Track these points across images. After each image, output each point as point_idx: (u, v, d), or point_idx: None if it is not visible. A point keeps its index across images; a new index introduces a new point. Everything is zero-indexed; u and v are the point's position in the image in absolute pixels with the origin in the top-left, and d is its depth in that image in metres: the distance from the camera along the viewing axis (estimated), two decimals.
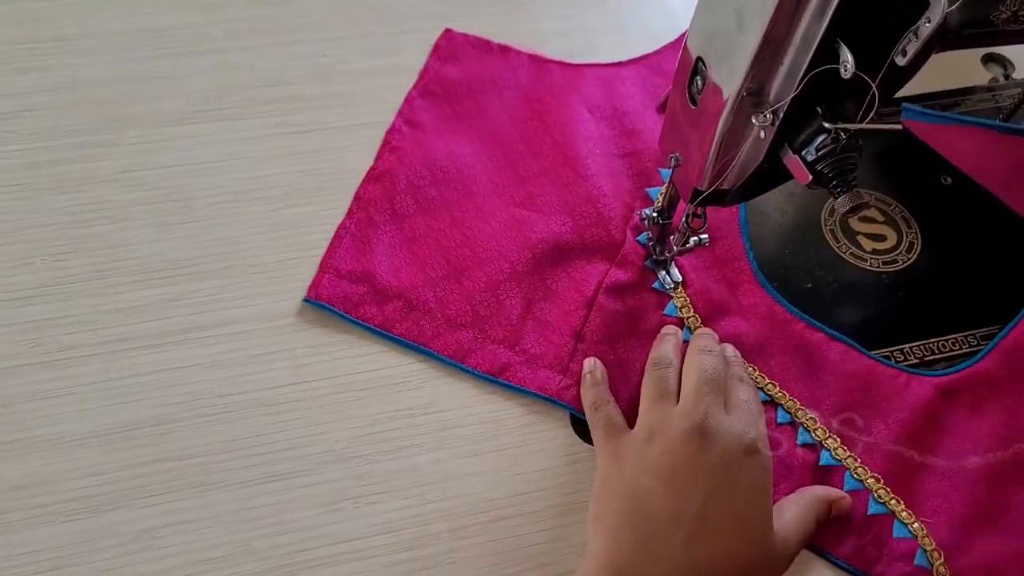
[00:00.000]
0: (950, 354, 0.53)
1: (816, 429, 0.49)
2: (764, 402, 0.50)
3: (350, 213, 0.56)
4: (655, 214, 0.51)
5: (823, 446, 0.49)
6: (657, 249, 0.54)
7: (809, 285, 0.54)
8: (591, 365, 0.50)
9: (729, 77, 0.38)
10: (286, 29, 0.66)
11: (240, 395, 0.49)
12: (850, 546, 0.46)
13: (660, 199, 0.50)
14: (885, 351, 0.52)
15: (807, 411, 0.50)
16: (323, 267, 0.53)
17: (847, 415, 0.49)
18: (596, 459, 0.46)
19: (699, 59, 0.40)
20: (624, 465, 0.44)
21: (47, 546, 0.44)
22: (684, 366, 0.47)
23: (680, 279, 0.54)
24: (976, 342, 0.53)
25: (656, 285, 0.54)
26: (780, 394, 0.50)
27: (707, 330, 0.51)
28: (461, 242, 0.55)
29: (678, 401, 0.45)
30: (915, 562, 0.45)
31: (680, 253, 0.52)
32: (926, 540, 0.45)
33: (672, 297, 0.53)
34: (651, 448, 0.43)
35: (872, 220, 0.58)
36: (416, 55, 0.65)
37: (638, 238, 0.55)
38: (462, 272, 0.54)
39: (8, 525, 0.44)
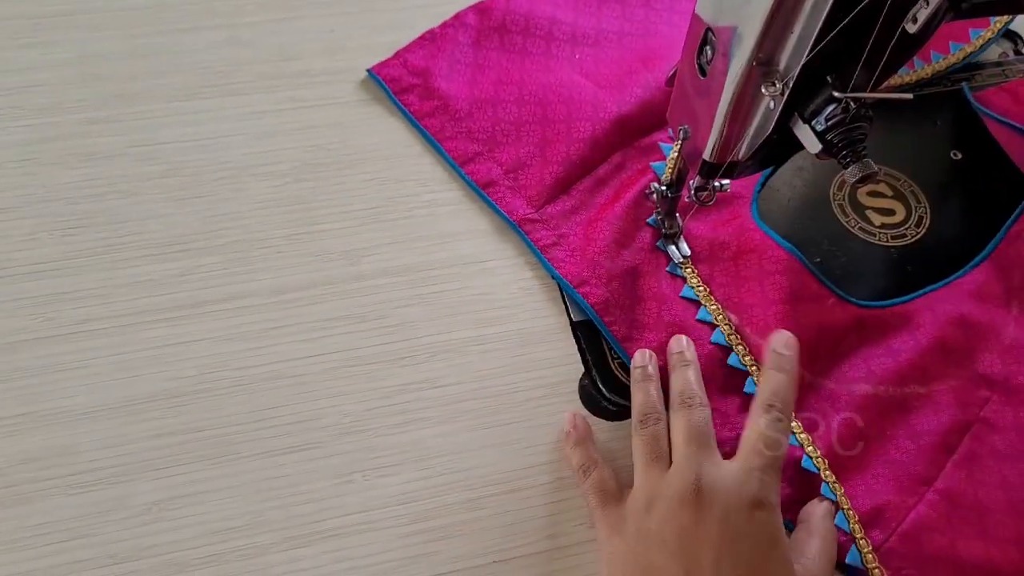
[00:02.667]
0: None
1: (731, 334, 0.50)
2: (691, 300, 0.52)
3: (444, 24, 0.63)
4: (664, 188, 0.51)
5: (732, 350, 0.50)
6: (666, 223, 0.54)
7: (818, 259, 0.54)
8: (572, 421, 0.48)
9: (738, 47, 0.37)
10: (293, 4, 0.66)
11: (250, 368, 0.49)
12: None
13: (668, 172, 0.50)
14: None
15: (728, 314, 0.51)
16: (397, 54, 0.62)
17: (753, 320, 0.51)
18: (597, 529, 0.44)
19: (708, 29, 0.40)
20: (628, 538, 0.42)
21: (61, 517, 0.44)
22: (671, 422, 0.45)
23: (689, 253, 0.53)
24: None
25: (669, 269, 0.54)
26: (706, 295, 0.52)
27: (684, 346, 0.49)
28: (515, 82, 0.61)
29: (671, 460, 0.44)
30: (803, 465, 0.47)
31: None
32: (811, 448, 0.47)
33: (686, 280, 0.53)
34: (651, 517, 0.42)
35: (881, 195, 0.58)
36: (421, 30, 0.64)
37: (648, 220, 0.55)
38: (500, 102, 0.60)
39: (21, 497, 0.45)
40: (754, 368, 0.50)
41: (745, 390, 0.49)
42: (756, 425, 0.43)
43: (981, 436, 0.48)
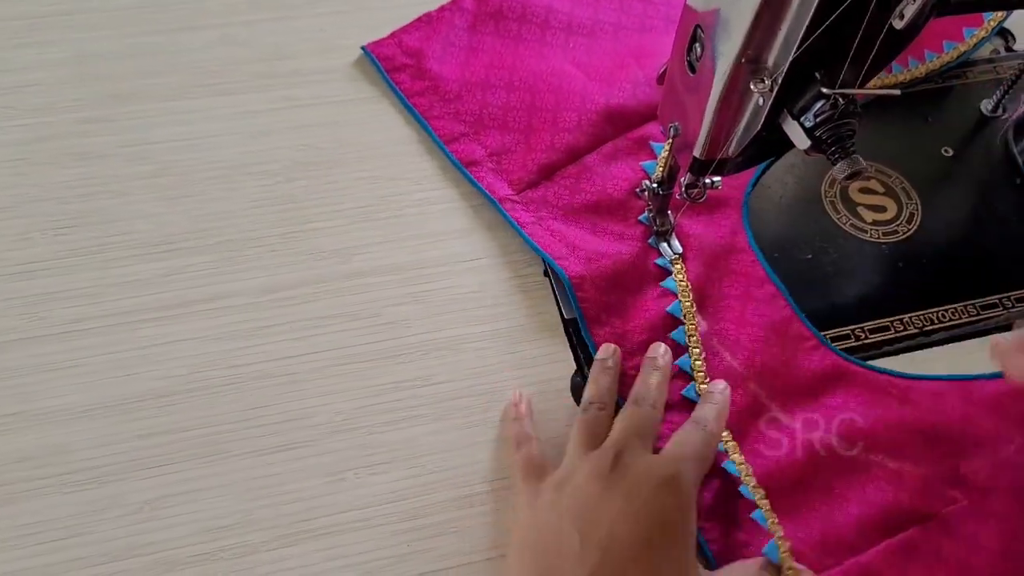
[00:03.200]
0: (949, 324, 0.53)
1: (692, 335, 0.50)
2: (670, 291, 0.52)
3: (441, 8, 0.64)
4: (655, 185, 0.51)
5: (687, 352, 0.50)
6: (658, 220, 0.54)
7: (809, 256, 0.55)
8: (517, 399, 0.49)
9: (727, 44, 0.38)
10: (286, 4, 0.66)
11: (242, 367, 0.49)
12: None
13: (659, 170, 0.50)
14: (885, 321, 0.52)
15: (698, 319, 0.51)
16: (392, 34, 0.63)
17: (725, 336, 0.50)
18: (513, 503, 0.45)
19: (697, 26, 0.40)
20: (538, 509, 0.42)
21: (53, 516, 0.44)
22: (617, 416, 0.46)
23: (680, 250, 0.54)
24: (976, 312, 0.53)
25: (659, 261, 0.54)
26: (685, 290, 0.52)
27: (660, 353, 0.49)
28: (507, 67, 0.61)
29: None
30: (739, 489, 0.45)
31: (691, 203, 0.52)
32: (749, 478, 0.45)
33: (671, 273, 0.53)
34: (564, 491, 0.42)
35: (872, 191, 0.58)
36: None
37: (640, 218, 0.55)
38: (490, 86, 0.61)
39: (13, 496, 0.45)
40: (701, 375, 0.49)
41: (683, 393, 0.49)
42: (686, 428, 0.45)
43: (932, 534, 0.44)
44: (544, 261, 0.53)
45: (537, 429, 0.48)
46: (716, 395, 0.47)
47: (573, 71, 0.62)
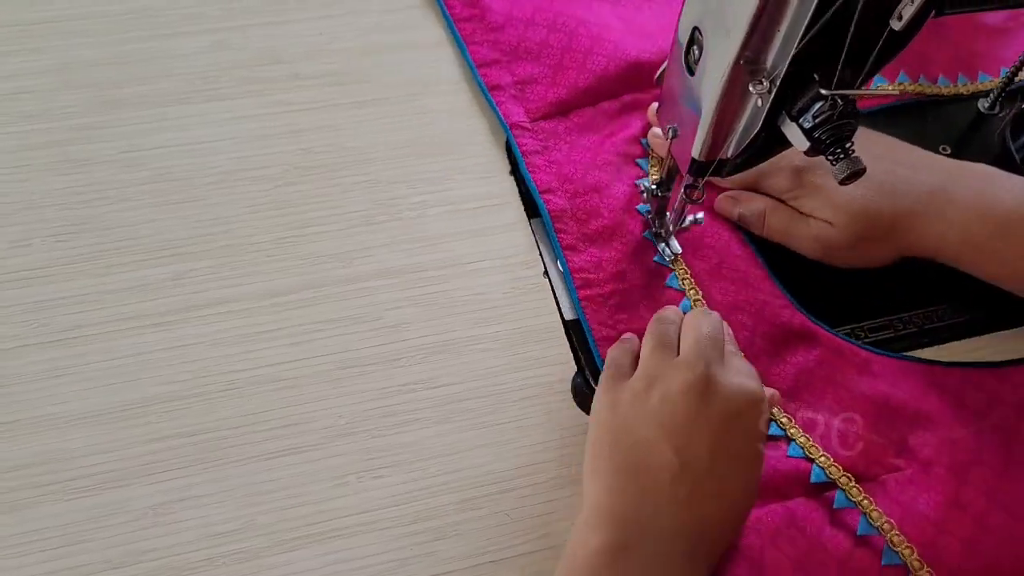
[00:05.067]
0: (950, 321, 0.53)
1: (685, 279, 0.53)
2: (648, 238, 0.54)
3: None
4: (654, 187, 0.51)
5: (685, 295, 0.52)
6: (657, 222, 0.54)
7: None
8: (630, 336, 0.49)
9: (726, 45, 0.38)
10: (280, 8, 0.65)
11: (244, 372, 0.49)
12: None
13: (659, 171, 0.50)
14: (885, 320, 0.53)
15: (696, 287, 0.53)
16: None
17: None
18: (593, 408, 0.45)
19: (695, 28, 0.40)
20: (620, 415, 0.43)
21: (55, 523, 0.44)
22: (683, 325, 0.46)
23: (680, 250, 0.54)
24: (977, 308, 0.54)
25: (657, 259, 0.54)
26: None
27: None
28: (554, 10, 0.63)
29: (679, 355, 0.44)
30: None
31: (677, 231, 0.53)
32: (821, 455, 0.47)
33: (673, 269, 0.53)
34: (650, 397, 0.42)
35: None
36: (410, 32, 0.65)
37: (638, 207, 0.55)
38: (533, 24, 0.63)
39: (15, 504, 0.45)
40: (691, 289, 0.52)
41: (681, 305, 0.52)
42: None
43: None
44: (541, 258, 0.54)
45: (537, 431, 0.48)
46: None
47: (615, 23, 0.64)
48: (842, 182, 0.38)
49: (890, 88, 0.61)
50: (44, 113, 0.58)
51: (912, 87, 0.62)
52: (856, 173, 0.38)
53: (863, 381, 0.50)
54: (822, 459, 0.47)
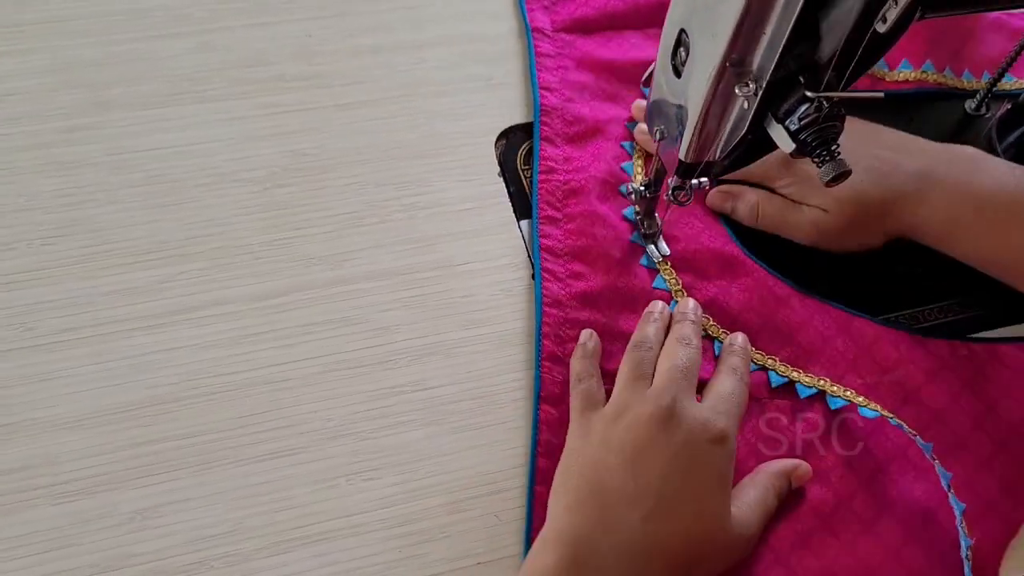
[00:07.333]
0: (940, 321, 0.54)
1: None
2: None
3: None
4: (642, 188, 0.51)
5: (670, 290, 0.53)
6: (645, 223, 0.54)
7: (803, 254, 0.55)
8: (587, 336, 0.50)
9: (712, 48, 0.38)
10: (268, 9, 0.65)
11: (232, 375, 0.49)
12: None
13: (648, 173, 0.50)
14: (877, 319, 0.53)
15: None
16: None
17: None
18: (568, 434, 0.46)
19: (682, 30, 0.40)
20: (591, 442, 0.44)
21: (42, 527, 0.44)
22: (661, 353, 0.47)
23: (668, 252, 0.54)
24: (967, 307, 0.55)
25: (643, 261, 0.54)
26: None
27: (690, 308, 0.50)
28: None
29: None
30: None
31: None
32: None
33: (660, 271, 0.53)
34: (617, 426, 0.44)
35: None
36: (398, 33, 0.65)
37: (624, 212, 0.56)
38: None
39: (2, 508, 0.45)
40: (677, 291, 0.53)
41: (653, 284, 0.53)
42: (724, 378, 0.47)
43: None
44: (530, 260, 0.54)
45: (525, 433, 0.48)
46: (738, 346, 0.50)
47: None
48: (828, 184, 0.38)
49: (892, 79, 0.63)
50: (32, 115, 0.58)
51: (933, 76, 0.64)
52: (842, 175, 0.38)
53: (780, 312, 0.53)
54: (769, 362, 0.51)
